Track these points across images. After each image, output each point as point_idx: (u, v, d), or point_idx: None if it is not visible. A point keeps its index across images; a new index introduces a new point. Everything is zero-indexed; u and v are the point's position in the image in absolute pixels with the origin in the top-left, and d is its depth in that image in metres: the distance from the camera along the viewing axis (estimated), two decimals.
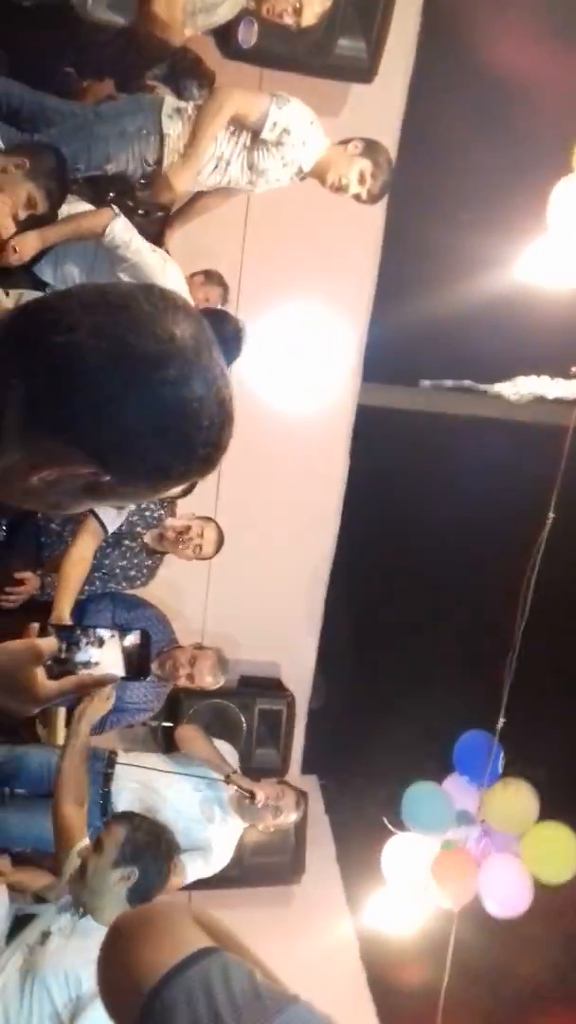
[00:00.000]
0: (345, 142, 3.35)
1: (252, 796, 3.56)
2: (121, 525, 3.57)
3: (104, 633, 1.23)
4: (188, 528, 3.61)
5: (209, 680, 3.74)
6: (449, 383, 4.72)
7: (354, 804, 4.74)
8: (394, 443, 5.25)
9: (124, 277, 3.11)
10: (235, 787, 3.60)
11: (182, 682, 3.74)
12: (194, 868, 3.43)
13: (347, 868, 4.71)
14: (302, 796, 4.19)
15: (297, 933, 4.25)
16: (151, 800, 3.50)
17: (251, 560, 4.85)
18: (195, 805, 3.54)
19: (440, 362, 4.99)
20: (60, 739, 4.13)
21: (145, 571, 3.73)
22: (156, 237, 3.72)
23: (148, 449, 0.95)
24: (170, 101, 3.24)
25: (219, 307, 3.84)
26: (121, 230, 3.05)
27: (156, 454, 0.96)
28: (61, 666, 1.18)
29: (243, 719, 4.69)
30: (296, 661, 5.15)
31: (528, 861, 3.63)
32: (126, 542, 3.64)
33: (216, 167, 3.32)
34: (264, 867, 4.40)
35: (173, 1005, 0.88)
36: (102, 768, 3.57)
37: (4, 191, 2.65)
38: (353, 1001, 4.08)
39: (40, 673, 1.16)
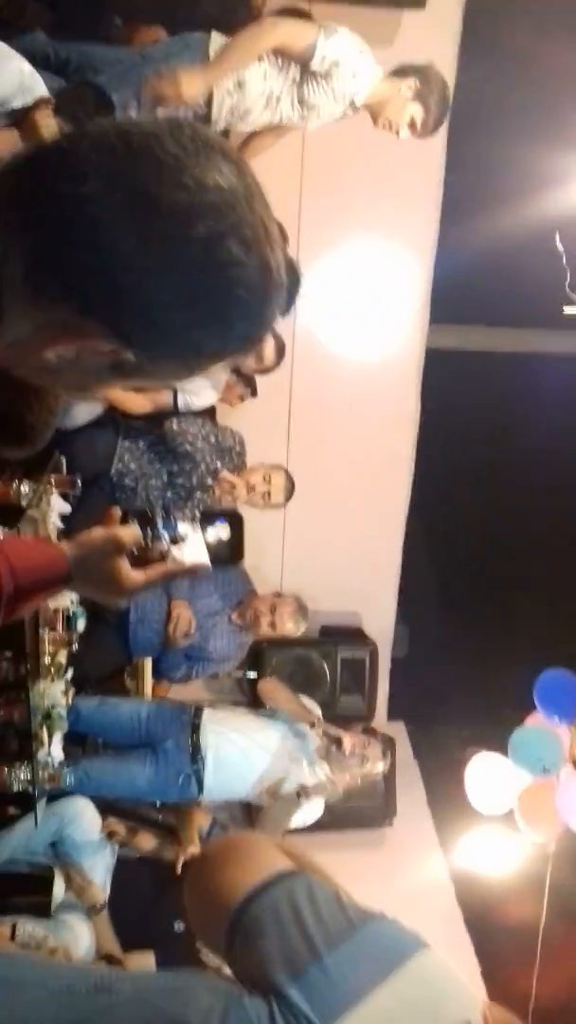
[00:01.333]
0: (400, 73, 3.23)
1: (339, 742, 3.56)
2: (193, 478, 3.58)
3: (186, 516, 1.20)
4: (233, 486, 3.57)
5: (291, 626, 3.76)
6: None
7: (442, 748, 4.72)
8: (466, 384, 5.13)
9: None
10: (322, 735, 3.61)
11: (264, 630, 3.77)
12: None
13: (438, 811, 4.71)
14: (389, 744, 4.19)
15: (392, 875, 4.28)
16: (241, 748, 3.53)
17: (326, 511, 4.83)
18: (284, 755, 3.56)
19: (507, 297, 4.85)
20: (147, 691, 4.23)
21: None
22: None
23: (175, 323, 0.80)
24: (216, 38, 3.17)
25: None
26: None
27: (185, 329, 0.80)
28: (147, 555, 1.14)
29: (326, 668, 4.71)
30: (376, 610, 5.12)
31: None
32: (198, 494, 3.66)
33: (267, 105, 3.25)
34: (355, 812, 4.43)
35: (260, 919, 0.89)
36: (189, 719, 3.62)
37: (41, 140, 2.60)
38: (451, 939, 4.09)
39: (124, 564, 1.11)
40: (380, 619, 5.12)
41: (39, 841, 3.27)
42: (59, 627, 2.99)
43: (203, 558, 1.18)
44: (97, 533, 1.12)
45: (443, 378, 5.02)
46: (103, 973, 1.01)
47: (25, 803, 3.14)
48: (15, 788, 2.94)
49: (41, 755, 2.94)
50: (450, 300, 5.00)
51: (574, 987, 3.69)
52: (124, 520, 1.17)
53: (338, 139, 4.26)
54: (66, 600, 3.06)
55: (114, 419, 3.63)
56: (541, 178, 4.25)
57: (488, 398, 5.10)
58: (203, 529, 1.19)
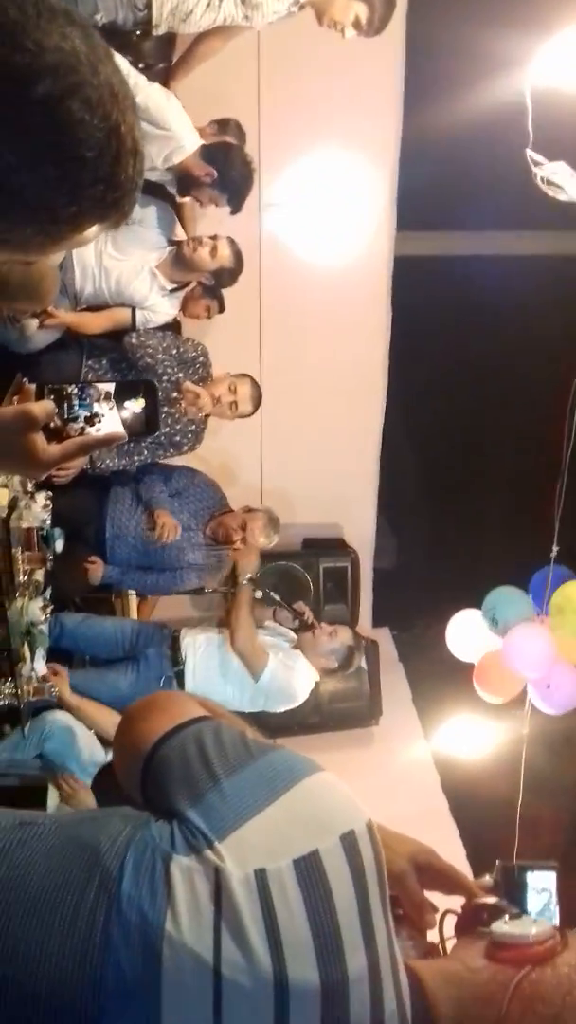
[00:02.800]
0: None
1: (300, 613, 3.68)
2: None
3: (103, 388, 1.17)
4: (197, 396, 3.58)
5: (263, 540, 3.81)
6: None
7: (425, 649, 4.84)
8: (435, 289, 5.09)
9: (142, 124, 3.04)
10: (289, 613, 3.73)
11: (237, 545, 3.82)
12: (274, 659, 3.59)
13: (423, 708, 4.87)
14: (372, 647, 4.32)
15: (381, 770, 4.46)
16: (219, 651, 3.64)
17: (302, 422, 4.85)
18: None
19: (472, 201, 4.78)
20: (133, 612, 4.34)
21: (190, 435, 3.77)
22: None
23: (23, 184, 0.80)
24: None
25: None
26: None
27: (34, 190, 0.80)
28: (62, 428, 1.13)
29: (309, 578, 4.80)
30: (357, 519, 5.19)
31: None
32: (165, 408, 3.67)
33: (208, 4, 3.17)
34: (343, 712, 4.60)
35: (168, 756, 0.95)
36: (170, 632, 3.73)
37: None
38: (438, 826, 4.28)
39: (39, 439, 1.09)
40: (361, 528, 5.19)
41: (24, 754, 3.39)
42: (34, 546, 3.06)
43: (118, 430, 1.20)
44: (8, 409, 1.11)
45: (413, 284, 4.98)
46: (31, 812, 1.09)
47: (14, 718, 3.26)
48: (1, 703, 3.05)
49: (25, 670, 3.04)
50: (416, 206, 4.92)
51: (551, 857, 3.88)
52: (39, 395, 1.17)
53: (295, 43, 4.15)
54: (39, 519, 3.12)
55: (78, 339, 3.63)
56: (504, 72, 4.13)
57: (458, 302, 5.06)
58: (118, 403, 1.20)
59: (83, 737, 3.36)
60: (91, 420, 1.17)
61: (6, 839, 0.97)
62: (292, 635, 3.77)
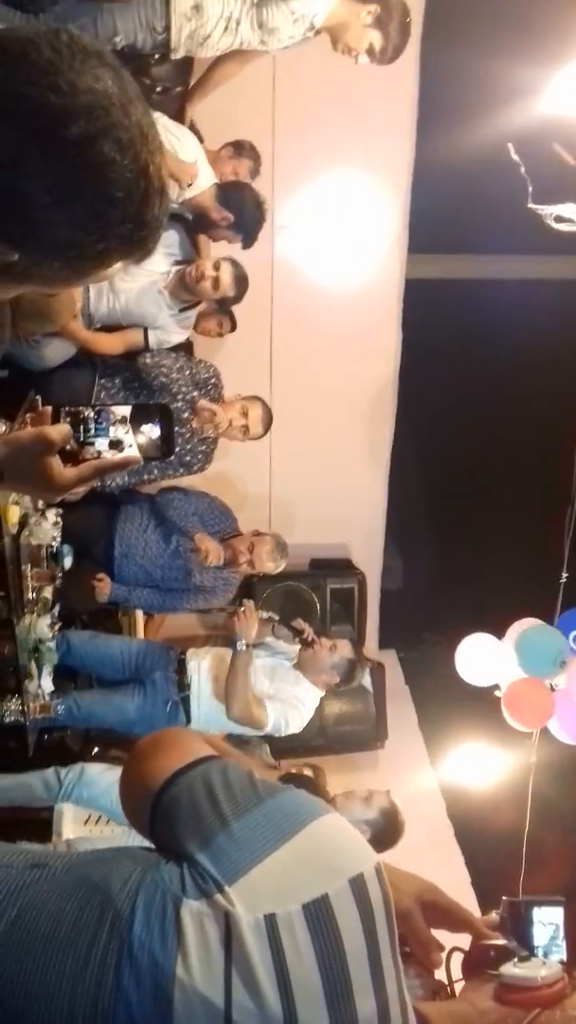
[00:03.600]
0: None
1: (300, 632, 3.66)
2: None
3: (120, 411, 1.18)
4: (213, 414, 3.60)
5: (270, 565, 3.80)
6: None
7: (432, 673, 4.82)
8: (446, 312, 5.11)
9: None
10: (289, 632, 3.71)
11: (244, 569, 3.82)
12: (273, 710, 3.53)
13: (429, 732, 4.84)
14: (378, 668, 4.28)
15: None
16: (222, 673, 3.63)
17: (311, 444, 4.86)
18: (258, 668, 3.64)
19: (484, 224, 4.80)
20: (140, 630, 4.33)
21: (200, 456, 3.78)
22: (177, 113, 3.64)
23: (54, 222, 0.82)
24: None
25: (245, 180, 3.73)
26: None
27: (64, 228, 0.83)
28: (78, 451, 1.14)
29: (316, 599, 4.79)
30: (365, 541, 5.19)
31: None
32: (176, 428, 3.68)
33: (226, 28, 3.20)
34: (347, 734, 4.58)
35: (177, 797, 0.95)
36: (176, 655, 3.72)
37: None
38: (443, 852, 4.25)
39: (56, 462, 1.11)
40: (368, 549, 5.19)
41: (48, 795, 3.39)
42: (43, 563, 3.06)
43: (134, 454, 1.20)
44: (27, 432, 1.13)
45: (423, 307, 5.00)
46: (44, 851, 1.09)
47: (21, 737, 3.25)
48: (7, 719, 3.05)
49: (32, 687, 3.04)
50: (428, 230, 4.95)
51: (557, 888, 3.84)
52: (55, 418, 1.17)
53: (310, 68, 4.19)
54: (49, 536, 3.12)
55: (91, 358, 3.65)
56: (517, 99, 4.16)
57: (469, 325, 5.08)
58: (134, 427, 1.20)
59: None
60: (115, 445, 1.18)
61: (18, 879, 0.97)
62: (293, 651, 3.76)
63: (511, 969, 0.95)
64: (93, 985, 0.86)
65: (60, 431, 1.11)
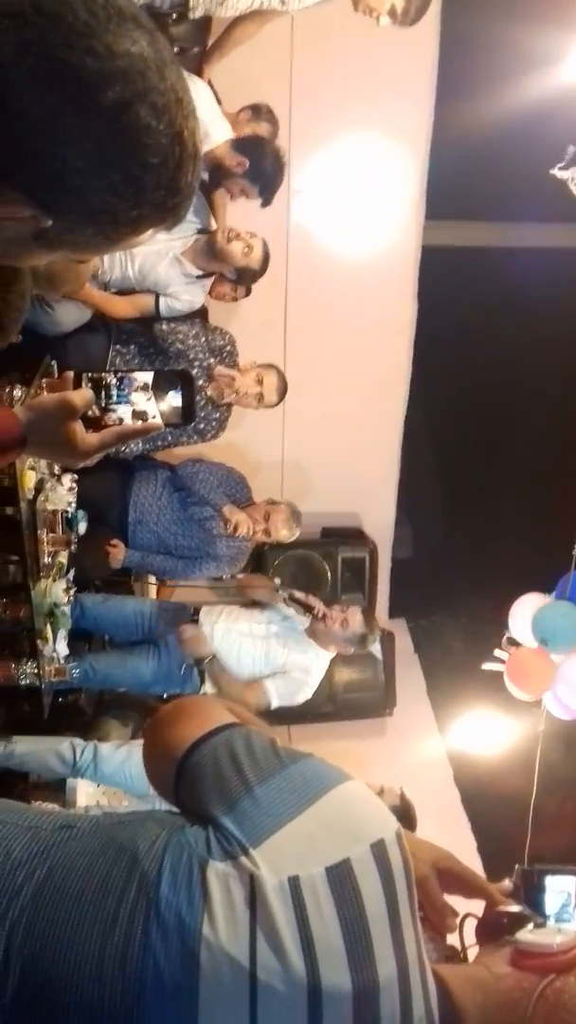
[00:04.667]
0: None
1: (311, 608, 3.69)
2: None
3: (142, 378, 1.18)
4: (232, 379, 3.59)
5: (284, 533, 3.83)
6: None
7: (441, 641, 4.86)
8: (462, 280, 5.06)
9: None
10: (299, 608, 3.74)
11: (260, 536, 3.84)
12: (276, 689, 3.59)
13: (437, 700, 4.88)
14: (388, 637, 4.31)
15: (394, 760, 4.47)
16: (232, 637, 3.66)
17: (324, 412, 4.85)
18: (271, 635, 3.69)
19: (502, 191, 4.73)
20: (151, 591, 4.36)
21: (215, 423, 3.78)
22: (194, 73, 3.59)
23: (88, 187, 0.81)
24: None
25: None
26: None
27: (98, 193, 0.82)
28: (100, 417, 1.15)
29: (327, 567, 4.81)
30: (377, 510, 5.19)
31: None
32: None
33: None
34: (357, 702, 4.62)
35: (201, 763, 0.97)
36: (189, 615, 3.76)
37: None
38: (450, 818, 4.30)
39: (79, 428, 1.12)
40: (380, 519, 5.19)
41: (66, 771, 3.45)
42: (58, 528, 3.08)
43: (157, 421, 1.21)
44: (50, 397, 1.13)
45: (440, 274, 4.95)
46: (70, 813, 1.12)
47: (36, 699, 3.30)
48: (23, 682, 3.09)
49: (47, 651, 3.08)
50: (446, 196, 4.88)
51: (563, 855, 3.89)
52: (77, 384, 1.17)
53: (329, 30, 4.12)
54: (65, 502, 3.14)
55: (106, 324, 3.64)
56: (538, 62, 4.09)
57: (485, 294, 5.03)
58: (156, 393, 1.20)
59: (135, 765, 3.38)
60: (138, 413, 1.18)
61: (47, 839, 0.99)
62: (304, 619, 3.79)
63: (526, 935, 0.97)
64: (122, 942, 0.88)
65: (83, 396, 1.12)
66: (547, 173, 4.33)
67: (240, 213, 3.93)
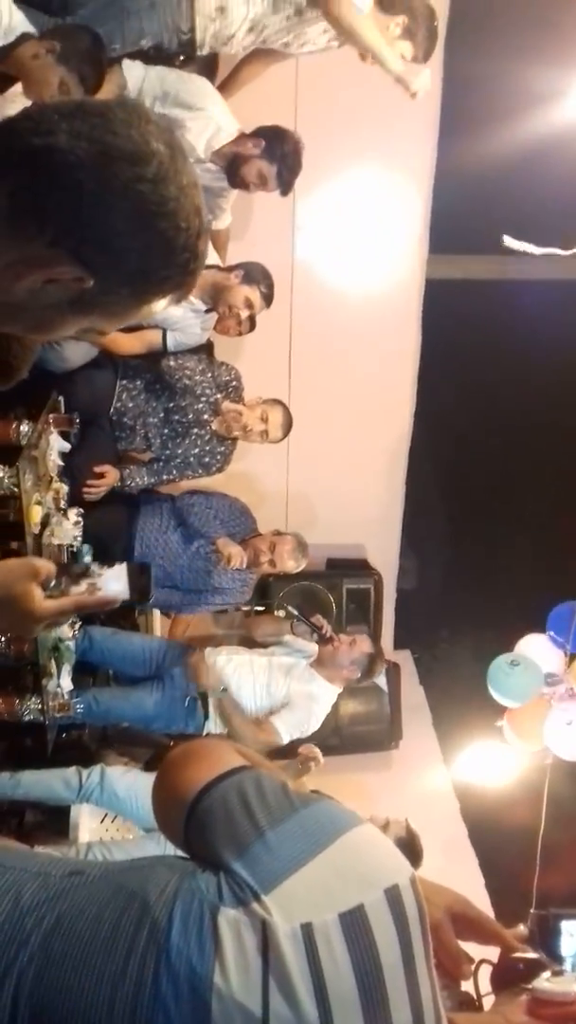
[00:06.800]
0: (388, 8, 3.19)
1: (319, 628, 3.68)
2: (190, 414, 3.64)
3: (98, 568, 1.32)
4: (240, 414, 3.61)
5: (291, 564, 3.82)
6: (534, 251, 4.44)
7: (447, 673, 4.83)
8: (466, 313, 5.10)
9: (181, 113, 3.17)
10: (308, 628, 3.73)
11: (265, 568, 3.84)
12: (284, 724, 3.56)
13: (443, 732, 4.84)
14: (393, 669, 4.28)
15: (400, 794, 4.43)
16: (231, 667, 3.65)
17: (329, 444, 4.87)
18: (274, 666, 3.67)
19: (507, 223, 4.78)
20: (157, 630, 4.36)
21: (219, 457, 3.80)
22: None
23: (129, 247, 0.96)
24: None
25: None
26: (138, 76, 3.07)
27: (137, 253, 0.97)
28: (60, 588, 1.25)
29: (332, 599, 4.80)
30: (381, 541, 5.19)
31: None
32: (195, 430, 3.71)
33: (251, 28, 3.21)
34: (362, 735, 4.59)
35: (211, 807, 0.96)
36: (193, 652, 3.74)
37: (35, 79, 2.60)
38: (457, 854, 4.26)
39: (38, 591, 1.21)
40: (385, 550, 5.19)
41: (70, 796, 3.42)
42: (63, 561, 3.08)
43: (118, 593, 1.32)
44: (12, 561, 1.23)
45: (444, 307, 5.00)
46: (80, 860, 1.11)
47: (39, 735, 3.28)
48: (26, 718, 3.07)
49: (51, 686, 3.06)
50: (449, 230, 4.94)
51: (573, 890, 3.85)
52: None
53: (332, 66, 4.18)
54: (71, 536, 3.15)
55: (112, 360, 3.67)
56: (540, 98, 4.16)
57: (489, 326, 5.07)
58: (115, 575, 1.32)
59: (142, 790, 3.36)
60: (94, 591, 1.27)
61: (56, 887, 0.99)
62: (311, 648, 3.77)
63: (544, 984, 0.96)
64: (132, 991, 0.87)
65: (47, 565, 1.23)
66: (548, 206, 4.40)
67: (244, 249, 3.97)
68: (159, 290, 1.02)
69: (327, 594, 4.81)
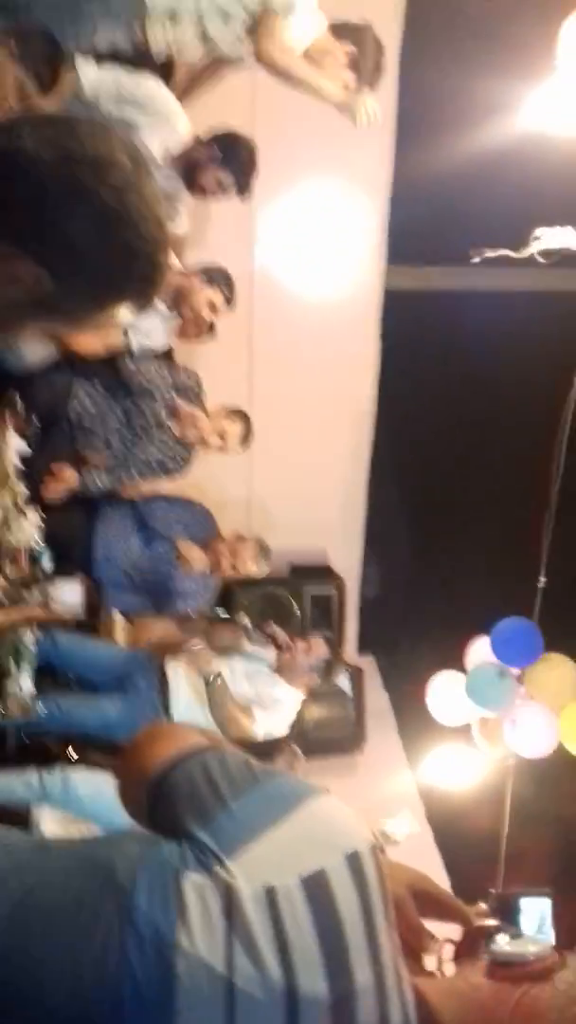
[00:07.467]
0: (339, 33, 3.23)
1: (275, 638, 3.69)
2: (149, 416, 3.64)
3: (56, 580, 1.31)
4: (195, 417, 3.62)
5: (252, 568, 3.82)
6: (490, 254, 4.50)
7: (410, 678, 4.84)
8: (424, 324, 5.17)
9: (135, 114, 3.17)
10: (265, 642, 3.73)
11: (227, 572, 3.84)
12: (259, 718, 3.56)
13: (408, 736, 4.86)
14: (356, 673, 4.30)
15: (365, 799, 4.42)
16: (192, 677, 3.63)
17: (291, 450, 4.89)
18: (235, 673, 3.66)
19: (462, 233, 4.86)
20: (118, 635, 4.32)
21: (180, 461, 3.79)
22: None
23: (90, 252, 0.98)
24: None
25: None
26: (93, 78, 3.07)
27: (98, 259, 0.99)
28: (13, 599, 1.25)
29: (295, 605, 4.81)
30: (344, 547, 5.23)
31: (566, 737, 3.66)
32: (155, 433, 3.71)
33: (203, 39, 3.23)
34: (326, 739, 4.60)
35: (176, 784, 0.98)
36: (158, 661, 3.71)
37: None
38: (423, 856, 4.25)
39: None
40: (347, 555, 5.22)
41: (31, 797, 3.36)
42: (23, 564, 3.05)
43: (73, 610, 1.32)
44: None
45: (402, 317, 5.06)
46: (48, 838, 1.12)
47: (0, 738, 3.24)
48: None
49: (11, 687, 3.02)
50: (407, 240, 5.01)
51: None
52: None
53: None
54: (30, 536, 3.11)
55: (71, 361, 3.65)
56: (495, 110, 4.23)
57: (447, 336, 5.14)
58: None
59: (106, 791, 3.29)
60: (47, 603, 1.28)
61: (21, 858, 1.00)
62: (271, 655, 3.77)
63: (501, 947, 0.97)
64: (99, 956, 0.88)
65: None
66: (506, 216, 4.48)
67: (204, 257, 3.99)
68: (119, 297, 1.05)
69: (290, 600, 4.82)
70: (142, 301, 1.07)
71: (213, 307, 3.66)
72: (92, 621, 4.21)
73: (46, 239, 0.97)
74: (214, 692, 3.48)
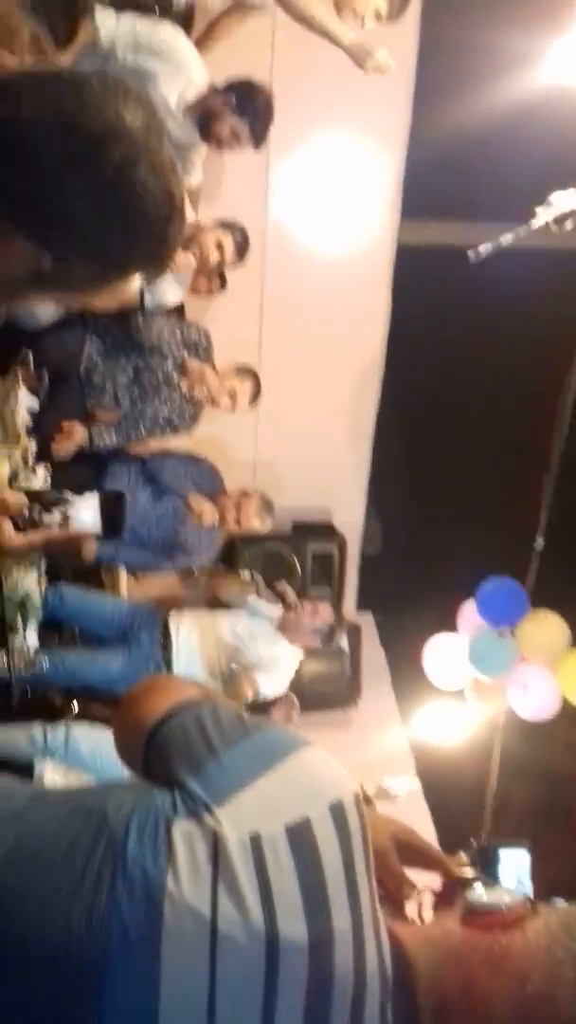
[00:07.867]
0: None
1: (283, 596, 3.75)
2: (159, 373, 3.65)
3: (72, 496, 1.31)
4: (203, 375, 3.62)
5: (256, 523, 3.87)
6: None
7: (407, 634, 4.93)
8: (436, 279, 5.12)
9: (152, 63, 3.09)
10: (272, 596, 3.80)
11: (231, 527, 3.89)
12: (261, 680, 3.65)
13: (402, 692, 4.96)
14: (354, 631, 4.37)
15: (358, 752, 4.53)
16: (206, 637, 3.70)
17: (297, 407, 4.89)
18: (237, 632, 3.74)
19: (477, 189, 4.80)
20: (123, 589, 4.39)
21: (188, 418, 3.82)
22: None
23: (88, 230, 0.94)
24: None
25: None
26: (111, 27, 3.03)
27: (96, 236, 0.94)
28: (31, 521, 1.27)
29: (296, 561, 4.87)
30: (346, 505, 5.25)
31: (564, 688, 3.74)
32: (164, 390, 3.72)
33: None
34: (322, 693, 4.68)
35: (169, 734, 1.02)
36: (162, 616, 3.79)
37: (4, 31, 2.55)
38: (411, 809, 4.37)
39: (7, 523, 1.23)
40: (350, 513, 5.25)
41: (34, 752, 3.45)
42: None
43: (92, 527, 1.32)
44: None
45: (415, 273, 5.02)
46: (45, 788, 1.17)
47: (4, 690, 3.31)
48: None
49: (17, 641, 3.09)
50: (422, 195, 4.94)
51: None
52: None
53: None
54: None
55: (82, 317, 3.66)
56: (516, 64, 4.15)
57: (458, 292, 5.09)
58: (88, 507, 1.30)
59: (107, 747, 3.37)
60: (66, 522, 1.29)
61: (16, 807, 1.04)
62: (275, 611, 3.84)
63: (477, 896, 1.03)
64: (89, 898, 0.92)
65: (16, 498, 1.22)
66: (523, 173, 4.41)
67: (218, 210, 3.96)
68: (123, 272, 1.01)
69: (291, 556, 4.87)
70: (150, 275, 1.04)
71: (221, 247, 3.62)
72: (97, 574, 4.29)
73: (42, 215, 0.93)
74: (236, 680, 3.59)
